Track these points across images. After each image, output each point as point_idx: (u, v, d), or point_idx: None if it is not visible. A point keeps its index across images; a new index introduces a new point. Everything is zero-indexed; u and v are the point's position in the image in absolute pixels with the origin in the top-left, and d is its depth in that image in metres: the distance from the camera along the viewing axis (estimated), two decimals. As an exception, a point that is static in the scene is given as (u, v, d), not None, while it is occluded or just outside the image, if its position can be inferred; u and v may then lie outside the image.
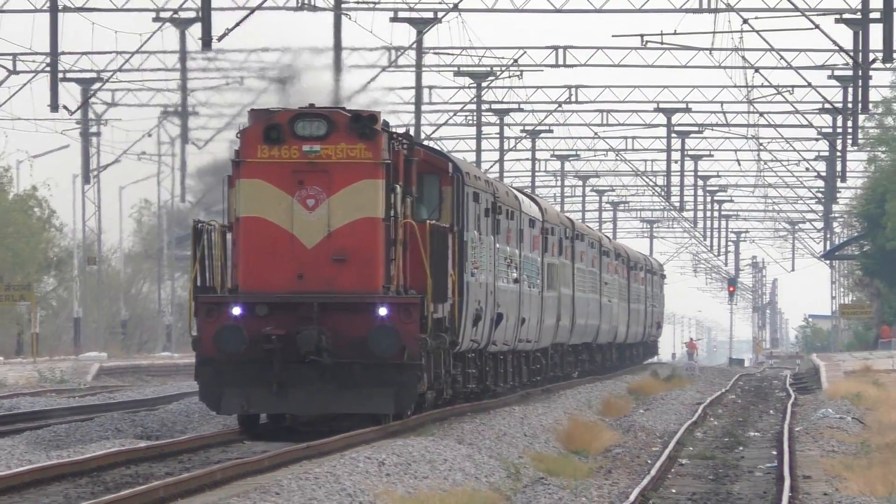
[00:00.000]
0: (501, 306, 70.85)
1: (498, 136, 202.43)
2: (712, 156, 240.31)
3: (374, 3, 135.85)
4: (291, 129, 53.47)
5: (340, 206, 52.85)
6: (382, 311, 52.05)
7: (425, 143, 68.73)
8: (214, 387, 53.06)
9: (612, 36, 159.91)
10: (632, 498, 42.84)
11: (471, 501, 41.84)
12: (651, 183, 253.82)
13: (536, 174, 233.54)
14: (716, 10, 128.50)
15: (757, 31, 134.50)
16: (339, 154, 53.07)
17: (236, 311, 52.12)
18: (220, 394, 52.74)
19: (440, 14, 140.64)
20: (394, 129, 57.50)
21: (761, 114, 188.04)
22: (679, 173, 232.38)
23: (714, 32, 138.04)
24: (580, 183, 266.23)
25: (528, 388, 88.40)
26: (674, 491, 49.22)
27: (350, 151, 53.00)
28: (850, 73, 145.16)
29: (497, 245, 70.70)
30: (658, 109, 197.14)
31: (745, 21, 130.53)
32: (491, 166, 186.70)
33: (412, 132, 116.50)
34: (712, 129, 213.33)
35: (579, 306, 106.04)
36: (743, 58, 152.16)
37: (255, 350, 52.08)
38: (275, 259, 52.73)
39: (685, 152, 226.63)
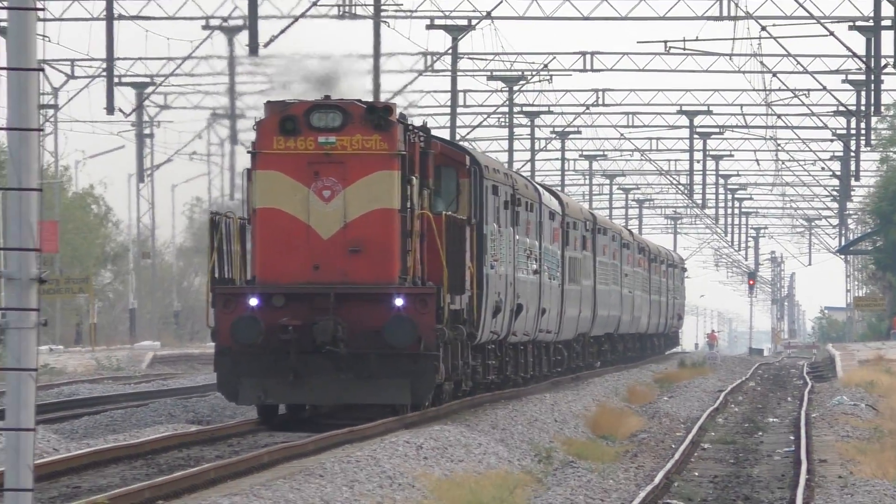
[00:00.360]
0: (521, 297, 69.83)
1: (529, 137, 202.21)
2: (732, 156, 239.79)
3: (412, 11, 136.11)
4: (307, 121, 52.16)
5: (356, 198, 51.63)
6: (399, 302, 50.92)
7: (460, 143, 67.52)
8: (232, 377, 52.18)
9: (637, 42, 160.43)
10: (657, 480, 45.49)
11: (504, 483, 42.77)
12: (674, 181, 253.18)
13: (566, 173, 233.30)
14: (735, 18, 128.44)
15: (774, 38, 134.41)
16: (355, 145, 51.82)
17: (253, 301, 51.29)
18: (238, 384, 51.84)
19: (474, 21, 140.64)
20: (411, 122, 56.13)
21: (779, 116, 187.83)
22: (701, 172, 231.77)
23: (734, 39, 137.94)
24: (607, 181, 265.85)
25: (550, 378, 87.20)
26: (696, 474, 51.75)
27: (366, 143, 51.74)
28: (862, 77, 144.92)
29: (517, 237, 69.85)
30: (681, 112, 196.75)
31: (764, 28, 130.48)
32: (522, 166, 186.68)
33: (448, 135, 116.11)
34: (732, 131, 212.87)
35: (601, 298, 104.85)
36: (761, 63, 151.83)
37: (271, 340, 51.15)
38: (291, 250, 51.61)
39: (707, 152, 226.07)
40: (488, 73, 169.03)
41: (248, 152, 54.14)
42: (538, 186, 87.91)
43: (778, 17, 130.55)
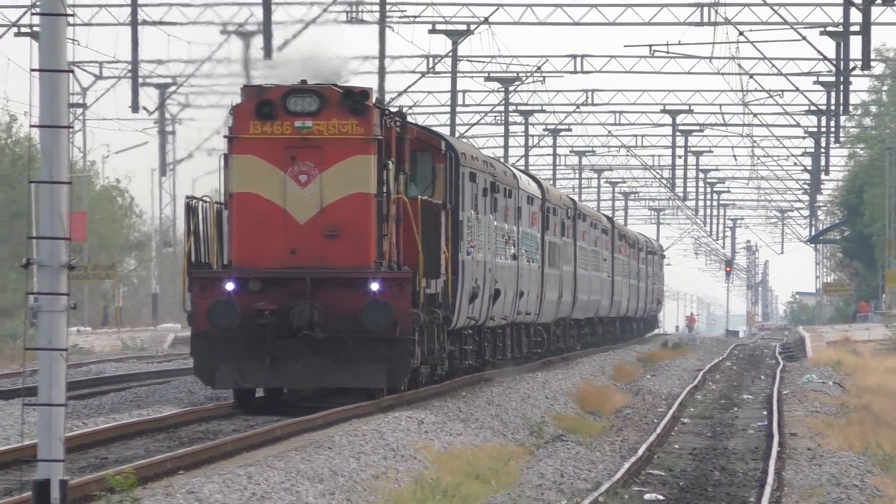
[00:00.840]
0: (499, 282, 68.83)
1: (523, 134, 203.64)
2: (712, 152, 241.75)
3: (415, 17, 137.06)
4: (283, 105, 50.44)
5: (333, 182, 49.98)
6: (375, 287, 49.50)
7: (436, 130, 66.14)
8: (208, 361, 50.74)
9: (624, 46, 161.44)
10: (640, 452, 45.75)
11: (499, 455, 43.32)
12: (658, 176, 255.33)
13: (557, 168, 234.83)
14: (715, 24, 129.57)
15: (751, 42, 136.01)
16: (331, 130, 50.07)
17: (229, 286, 49.71)
18: (214, 368, 50.48)
19: (473, 26, 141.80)
20: (386, 107, 55.28)
21: (755, 115, 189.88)
22: (682, 167, 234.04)
23: (713, 43, 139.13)
24: (595, 175, 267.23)
25: (529, 360, 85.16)
26: (676, 446, 52.38)
27: (342, 127, 50.02)
28: (832, 79, 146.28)
29: (495, 223, 68.44)
30: (664, 111, 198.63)
31: (741, 33, 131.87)
32: (517, 161, 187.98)
33: (448, 132, 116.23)
34: (712, 129, 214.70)
35: (581, 282, 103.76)
36: (739, 65, 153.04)
37: (248, 325, 49.70)
38: (267, 234, 50.03)
39: (688, 149, 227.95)
40: (486, 75, 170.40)
41: (225, 137, 52.66)
42: (516, 172, 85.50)
43: (755, 23, 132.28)
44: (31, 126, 22.61)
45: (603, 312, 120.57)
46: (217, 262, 52.78)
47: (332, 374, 50.37)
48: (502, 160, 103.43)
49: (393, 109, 57.01)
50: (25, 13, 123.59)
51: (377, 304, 48.86)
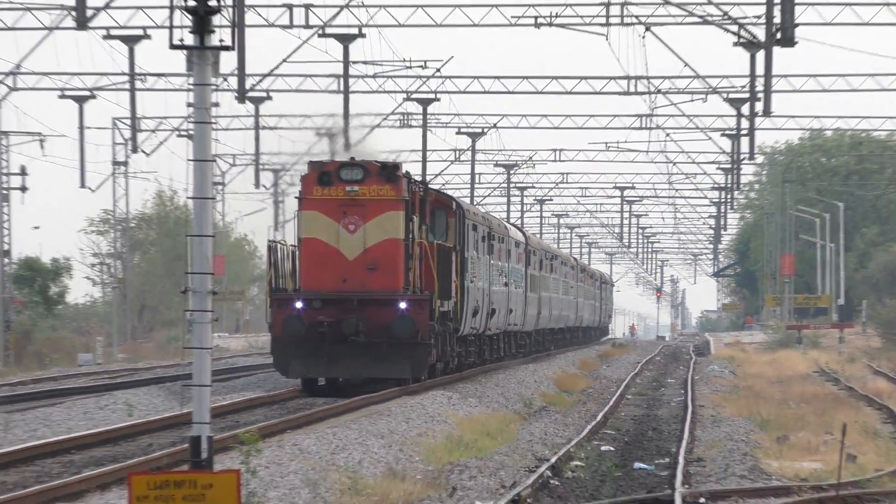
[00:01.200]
0: (494, 303, 68.31)
1: (520, 203, 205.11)
2: (647, 215, 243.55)
3: (446, 123, 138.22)
4: (338, 175, 50.49)
5: (373, 230, 49.91)
6: (402, 305, 49.90)
7: (448, 192, 67.26)
8: (283, 359, 51.22)
9: (588, 143, 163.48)
10: (598, 418, 47.41)
11: (503, 420, 45.48)
12: (611, 231, 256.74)
13: (543, 225, 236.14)
14: (650, 128, 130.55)
15: (675, 141, 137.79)
16: (372, 193, 50.26)
17: (298, 304, 50.09)
18: (288, 364, 51.00)
19: (486, 129, 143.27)
20: (414, 177, 55.19)
21: (677, 189, 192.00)
22: (628, 225, 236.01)
23: (649, 141, 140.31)
24: (569, 230, 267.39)
25: (516, 358, 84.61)
26: (623, 414, 53.50)
27: (380, 191, 50.25)
28: (729, 166, 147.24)
29: (491, 261, 68.27)
30: (615, 187, 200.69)
31: (668, 134, 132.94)
32: (516, 220, 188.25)
33: (469, 201, 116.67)
34: (648, 199, 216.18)
35: (554, 303, 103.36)
36: (666, 157, 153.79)
37: (311, 332, 49.88)
38: (326, 267, 49.96)
39: (632, 213, 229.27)
40: (494, 162, 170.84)
41: (296, 198, 52.69)
42: (507, 224, 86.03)
43: (677, 128, 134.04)
44: (188, 198, 23.14)
45: (570, 323, 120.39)
46: (290, 288, 53.01)
47: (372, 368, 50.61)
48: (504, 219, 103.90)
49: (417, 178, 57.54)
50: (183, 122, 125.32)
51: (404, 318, 49.31)
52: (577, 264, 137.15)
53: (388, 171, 50.06)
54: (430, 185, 58.92)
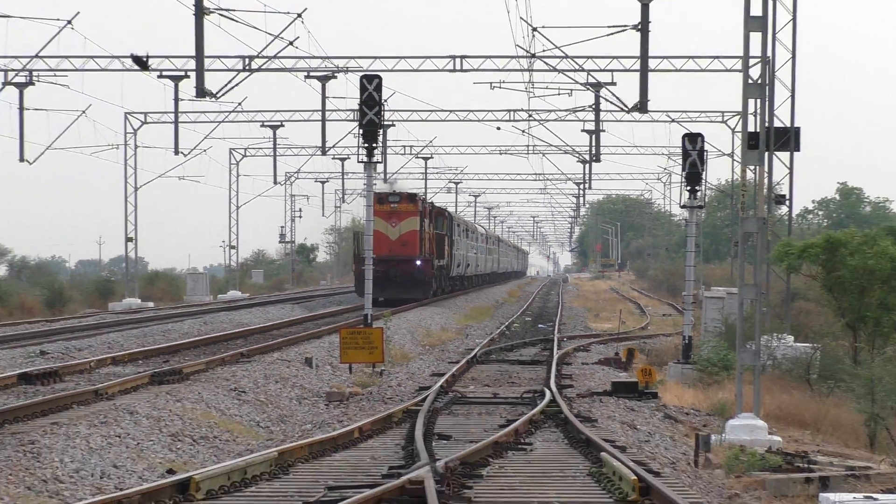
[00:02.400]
0: (468, 261, 67.61)
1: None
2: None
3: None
4: (387, 198, 49.99)
5: (404, 226, 49.23)
6: (418, 263, 49.22)
7: (444, 207, 65.87)
8: (359, 288, 49.84)
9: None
10: (524, 307, 53.79)
11: (485, 310, 51.39)
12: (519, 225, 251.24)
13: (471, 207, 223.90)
14: (531, 153, 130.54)
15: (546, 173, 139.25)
16: (403, 208, 49.70)
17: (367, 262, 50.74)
18: (361, 290, 46.42)
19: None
20: (424, 198, 56.31)
21: (553, 207, 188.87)
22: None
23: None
24: (487, 210, 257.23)
25: (482, 286, 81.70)
26: (533, 305, 59.19)
27: (408, 207, 49.82)
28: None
29: (466, 241, 67.29)
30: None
31: (544, 155, 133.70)
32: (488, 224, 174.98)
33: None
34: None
35: (500, 259, 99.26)
36: (544, 176, 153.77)
37: (374, 276, 49.87)
38: (381, 244, 46.57)
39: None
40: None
41: (367, 208, 54.45)
42: (476, 225, 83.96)
43: (552, 171, 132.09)
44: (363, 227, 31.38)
45: (506, 269, 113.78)
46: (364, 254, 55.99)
47: (404, 294, 49.00)
48: (475, 222, 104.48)
49: (428, 200, 60.17)
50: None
51: (418, 269, 48.99)
52: (511, 243, 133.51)
53: (412, 197, 50.87)
54: (434, 203, 59.34)
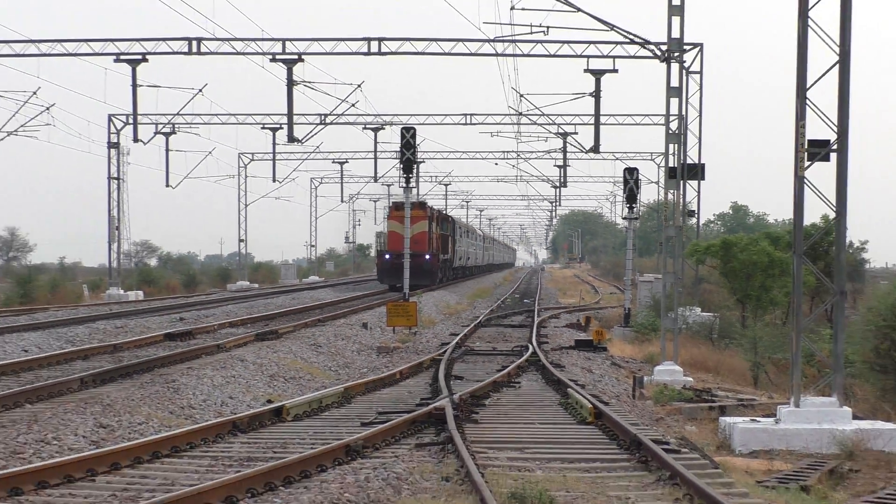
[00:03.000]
0: (469, 255, 61.66)
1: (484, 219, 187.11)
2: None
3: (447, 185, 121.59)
4: (402, 205, 42.78)
5: (417, 228, 41.43)
6: (426, 257, 43.46)
7: (450, 214, 60.92)
8: (380, 277, 43.78)
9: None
10: (513, 289, 50.73)
11: (484, 290, 48.19)
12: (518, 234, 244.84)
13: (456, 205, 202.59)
14: (519, 160, 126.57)
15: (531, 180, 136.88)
16: (416, 213, 40.92)
17: (386, 256, 42.20)
18: (382, 279, 43.59)
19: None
20: (432, 207, 49.50)
21: (533, 211, 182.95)
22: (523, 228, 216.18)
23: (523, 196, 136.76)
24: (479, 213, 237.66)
25: (482, 274, 74.02)
26: (520, 287, 55.23)
27: (419, 212, 42.69)
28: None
29: (468, 240, 61.69)
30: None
31: (527, 160, 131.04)
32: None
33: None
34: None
35: (493, 253, 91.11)
36: (527, 183, 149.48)
37: (390, 266, 41.99)
38: (397, 242, 40.82)
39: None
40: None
41: (385, 215, 46.99)
42: (474, 227, 77.93)
43: (533, 176, 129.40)
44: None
45: (501, 262, 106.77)
46: (384, 249, 45.55)
47: (417, 281, 39.20)
48: (475, 225, 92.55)
49: (437, 208, 55.31)
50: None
51: (427, 262, 43.24)
52: (502, 241, 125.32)
53: (422, 204, 44.94)
54: (441, 210, 53.19)
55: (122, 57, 24.59)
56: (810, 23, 10.11)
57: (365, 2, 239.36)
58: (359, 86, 31.15)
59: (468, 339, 22.02)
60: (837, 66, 10.07)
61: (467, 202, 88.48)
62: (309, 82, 27.09)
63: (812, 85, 10.21)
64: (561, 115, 36.29)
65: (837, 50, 10.04)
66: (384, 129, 45.16)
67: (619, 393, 14.84)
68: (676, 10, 17.05)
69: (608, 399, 13.16)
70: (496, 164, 55.43)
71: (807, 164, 10.19)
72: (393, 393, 13.21)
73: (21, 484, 6.85)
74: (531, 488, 7.00)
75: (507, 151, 55.04)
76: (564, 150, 41.17)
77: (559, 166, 48.48)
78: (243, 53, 24.54)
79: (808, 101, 10.20)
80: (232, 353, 16.17)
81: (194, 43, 24.11)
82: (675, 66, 17.66)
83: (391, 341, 21.12)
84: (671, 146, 18.80)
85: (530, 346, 18.84)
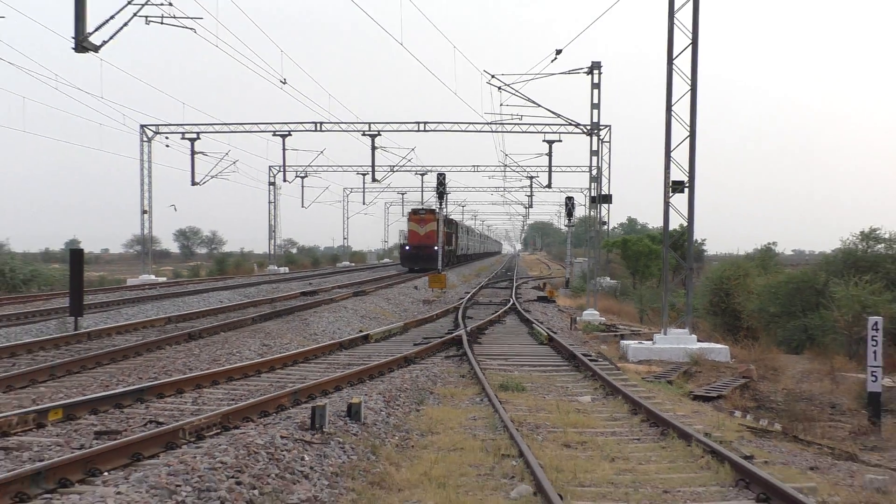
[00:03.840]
0: (469, 246, 50.72)
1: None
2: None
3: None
4: (420, 212, 34.70)
5: (428, 227, 33.56)
6: (435, 248, 33.31)
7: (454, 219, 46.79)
8: (403, 262, 34.85)
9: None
10: (499, 268, 43.28)
11: (485, 267, 41.41)
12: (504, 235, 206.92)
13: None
14: (505, 171, 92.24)
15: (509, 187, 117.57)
16: (429, 218, 34.00)
17: (406, 247, 34.16)
18: (404, 263, 34.77)
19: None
20: (440, 213, 35.00)
21: (509, 215, 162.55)
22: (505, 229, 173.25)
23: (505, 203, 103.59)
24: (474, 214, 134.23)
25: (480, 259, 62.09)
26: (503, 269, 45.34)
27: (430, 216, 34.28)
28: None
29: (468, 236, 51.10)
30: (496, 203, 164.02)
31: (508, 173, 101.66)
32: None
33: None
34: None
35: (485, 244, 75.53)
36: (504, 189, 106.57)
37: (411, 255, 33.71)
38: (415, 237, 33.65)
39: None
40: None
41: (405, 217, 36.56)
42: (471, 226, 61.61)
43: (517, 185, 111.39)
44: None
45: (491, 251, 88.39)
46: (406, 243, 36.10)
47: (427, 265, 33.39)
48: (473, 224, 74.23)
49: (443, 214, 42.30)
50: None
51: (434, 252, 33.12)
52: (491, 236, 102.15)
53: (432, 211, 35.11)
54: (447, 215, 40.52)
55: (277, 133, 25.26)
56: (673, 114, 10.50)
57: (416, 98, 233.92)
58: (412, 149, 30.17)
59: (475, 296, 20.95)
60: (688, 139, 10.44)
61: (474, 215, 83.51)
62: (385, 148, 26.18)
63: (674, 149, 10.55)
64: (529, 166, 35.58)
65: (688, 130, 10.37)
66: (427, 174, 42.87)
67: (563, 326, 14.67)
68: (595, 106, 17.07)
69: (556, 330, 13.00)
70: (491, 194, 52.67)
71: (671, 194, 10.57)
72: (431, 326, 12.97)
73: (217, 378, 6.99)
74: (511, 381, 7.33)
75: (497, 187, 53.33)
76: (531, 186, 41.39)
77: (528, 196, 47.81)
78: (347, 130, 24.71)
79: (671, 158, 10.57)
80: (339, 303, 15.84)
81: (318, 125, 24.61)
82: (596, 138, 17.84)
83: (431, 296, 20.27)
84: (593, 184, 18.58)
85: (511, 300, 18.27)
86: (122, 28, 10.85)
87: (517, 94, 16.21)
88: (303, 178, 38.32)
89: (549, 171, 25.82)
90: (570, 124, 20.34)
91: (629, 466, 4.33)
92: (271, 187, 35.85)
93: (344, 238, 51.74)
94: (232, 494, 3.38)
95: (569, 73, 16.24)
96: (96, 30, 10.36)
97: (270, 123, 24.62)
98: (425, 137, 43.76)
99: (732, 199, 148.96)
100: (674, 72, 10.19)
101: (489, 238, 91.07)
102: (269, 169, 35.71)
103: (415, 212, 33.79)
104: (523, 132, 23.56)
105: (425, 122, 24.71)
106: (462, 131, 24.44)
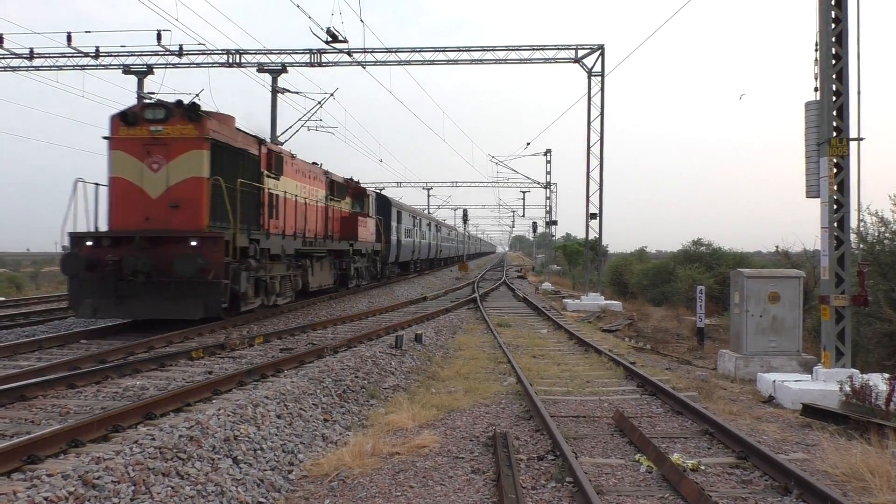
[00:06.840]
0: (477, 249, 39.66)
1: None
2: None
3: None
4: (142, 115, 6.86)
5: (176, 169, 6.79)
6: (193, 243, 6.58)
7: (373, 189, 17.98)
8: (76, 297, 6.64)
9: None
10: (483, 273, 26.84)
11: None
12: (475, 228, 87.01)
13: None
14: (498, 186, 37.20)
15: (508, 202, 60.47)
16: (175, 133, 6.81)
17: (89, 243, 6.77)
18: (79, 303, 6.58)
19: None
20: (352, 178, 12.64)
21: (499, 219, 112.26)
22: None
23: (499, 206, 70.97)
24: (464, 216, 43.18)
25: (483, 257, 48.88)
26: (488, 274, 25.19)
27: (182, 131, 6.82)
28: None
29: (473, 241, 42.27)
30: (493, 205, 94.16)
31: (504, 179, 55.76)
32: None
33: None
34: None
35: (483, 247, 63.09)
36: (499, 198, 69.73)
37: (99, 271, 6.67)
38: (130, 206, 6.82)
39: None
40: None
41: (103, 138, 7.05)
42: (479, 237, 52.72)
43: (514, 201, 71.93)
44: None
45: (488, 251, 72.62)
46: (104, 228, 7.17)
47: (160, 308, 6.53)
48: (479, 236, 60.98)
49: (476, 235, 36.76)
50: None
51: (186, 256, 6.49)
52: (488, 242, 78.65)
53: (190, 110, 6.95)
54: (472, 233, 32.63)
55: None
56: (590, 177, 13.22)
57: (424, 165, 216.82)
58: (433, 195, 24.88)
59: (482, 276, 22.60)
60: (598, 190, 13.26)
61: (476, 226, 58.28)
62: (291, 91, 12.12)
63: (590, 196, 13.25)
64: (513, 205, 37.76)
65: (598, 185, 13.14)
66: (460, 210, 34.73)
67: (531, 292, 16.13)
68: (548, 174, 21.96)
69: (527, 294, 14.80)
70: (490, 210, 51.30)
71: (591, 221, 13.28)
72: (459, 293, 14.63)
73: (345, 320, 8.43)
74: (503, 321, 9.15)
75: (494, 215, 50.50)
76: (513, 218, 43.38)
77: (512, 221, 48.96)
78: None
79: (589, 201, 13.29)
80: (410, 280, 17.71)
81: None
82: (548, 190, 21.47)
83: (460, 275, 22.39)
84: (546, 214, 23.35)
85: (503, 278, 20.57)
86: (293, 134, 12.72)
87: (507, 167, 25.81)
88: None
89: (524, 207, 32.42)
90: (535, 183, 26.35)
91: (568, 368, 5.74)
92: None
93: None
94: (353, 383, 4.64)
95: (533, 155, 25.83)
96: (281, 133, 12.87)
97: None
98: (452, 193, 42.20)
99: (623, 212, 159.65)
100: (590, 155, 13.32)
101: (486, 242, 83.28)
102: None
103: (129, 112, 7.45)
104: (509, 187, 29.70)
105: (438, 183, 28.49)
106: (469, 185, 31.43)
